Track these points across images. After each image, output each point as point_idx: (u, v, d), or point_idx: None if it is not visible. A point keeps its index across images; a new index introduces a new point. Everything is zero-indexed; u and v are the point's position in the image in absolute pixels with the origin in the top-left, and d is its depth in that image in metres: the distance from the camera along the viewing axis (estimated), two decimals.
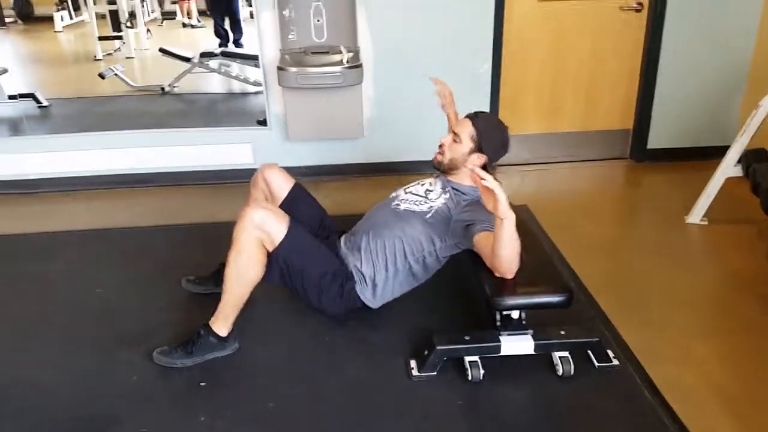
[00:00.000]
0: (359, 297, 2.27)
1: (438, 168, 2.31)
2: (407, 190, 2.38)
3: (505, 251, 1.88)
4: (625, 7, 3.77)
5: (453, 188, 2.27)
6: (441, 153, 2.28)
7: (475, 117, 2.24)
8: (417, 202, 2.28)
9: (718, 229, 3.17)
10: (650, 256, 2.96)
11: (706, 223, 3.20)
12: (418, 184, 2.39)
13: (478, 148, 2.22)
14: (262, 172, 2.49)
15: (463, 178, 2.28)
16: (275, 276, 2.19)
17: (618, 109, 4.06)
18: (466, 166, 2.21)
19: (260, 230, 2.08)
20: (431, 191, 2.30)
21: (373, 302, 2.30)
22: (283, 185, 2.47)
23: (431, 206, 2.24)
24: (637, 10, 3.77)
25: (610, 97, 4.02)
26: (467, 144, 2.22)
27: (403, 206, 2.29)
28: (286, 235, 2.11)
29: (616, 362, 2.15)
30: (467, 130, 2.22)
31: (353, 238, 2.35)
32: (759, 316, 2.48)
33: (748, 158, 3.00)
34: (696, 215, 3.21)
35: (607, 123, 4.09)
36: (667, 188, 3.76)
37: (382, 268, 2.25)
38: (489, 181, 1.77)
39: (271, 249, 2.12)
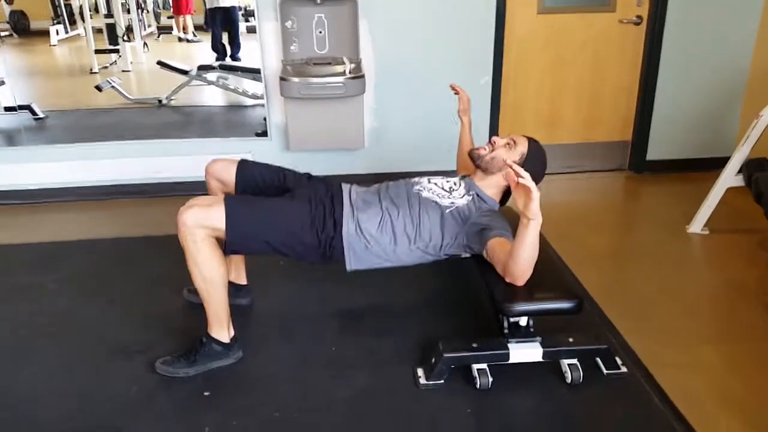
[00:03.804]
0: (341, 245, 2.16)
1: (475, 159, 2.29)
2: (431, 180, 2.34)
3: (524, 254, 1.85)
4: (624, 20, 3.81)
5: (477, 194, 2.26)
6: (487, 149, 2.28)
7: (532, 141, 2.29)
8: (440, 195, 2.25)
9: (721, 238, 3.18)
10: (653, 265, 2.96)
11: (707, 232, 3.20)
12: (443, 178, 2.36)
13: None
14: (207, 172, 2.43)
15: (487, 187, 2.28)
16: (249, 250, 2.18)
17: (617, 121, 4.08)
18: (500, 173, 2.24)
19: (202, 228, 2.02)
20: (455, 190, 2.28)
21: (353, 258, 2.18)
22: (228, 170, 2.40)
23: (453, 203, 2.22)
24: (636, 23, 3.81)
25: (610, 109, 4.04)
26: (515, 155, 2.23)
27: (425, 193, 2.26)
28: (227, 217, 2.04)
29: (624, 369, 2.14)
30: (522, 147, 2.26)
31: (369, 196, 2.27)
32: (764, 324, 2.47)
33: (749, 168, 3.01)
34: (697, 225, 3.22)
35: (606, 135, 4.12)
36: (667, 199, 3.77)
37: (383, 238, 2.17)
38: (527, 179, 1.75)
39: (224, 237, 2.05)
